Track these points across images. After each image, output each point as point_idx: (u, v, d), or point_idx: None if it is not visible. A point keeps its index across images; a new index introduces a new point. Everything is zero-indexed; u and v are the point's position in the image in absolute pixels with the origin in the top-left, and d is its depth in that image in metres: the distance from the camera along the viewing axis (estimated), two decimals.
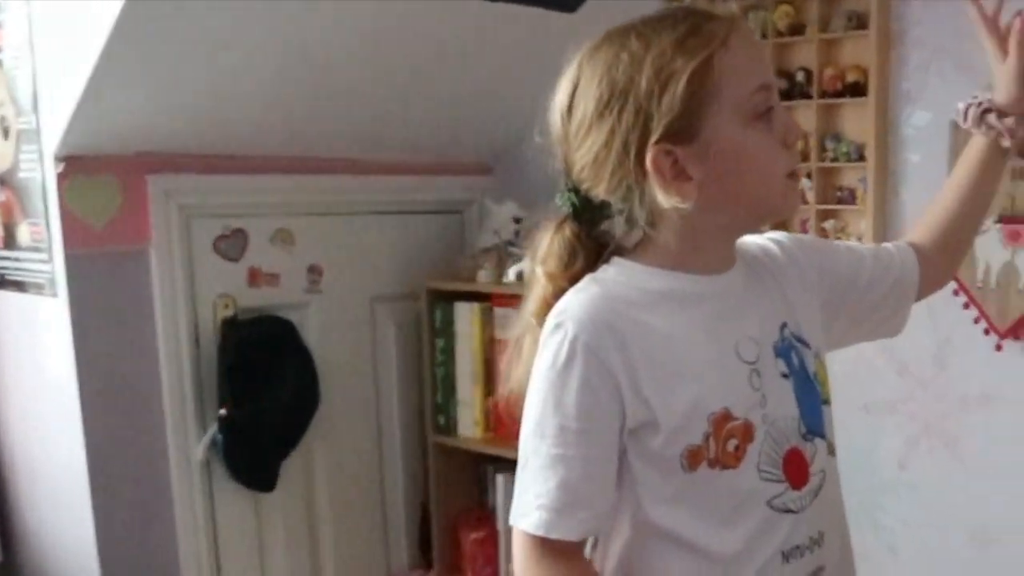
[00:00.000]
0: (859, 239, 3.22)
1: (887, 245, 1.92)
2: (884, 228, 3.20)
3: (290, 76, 3.25)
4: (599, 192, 1.56)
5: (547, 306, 1.58)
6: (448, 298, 3.84)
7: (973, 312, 3.09)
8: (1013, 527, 3.12)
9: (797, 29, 3.35)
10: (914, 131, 3.20)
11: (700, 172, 1.49)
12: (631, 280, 1.58)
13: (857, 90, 3.24)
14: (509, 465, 3.84)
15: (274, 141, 3.52)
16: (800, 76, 3.34)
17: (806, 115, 3.30)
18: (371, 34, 3.24)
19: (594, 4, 3.64)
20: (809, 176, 3.31)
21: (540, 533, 1.50)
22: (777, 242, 1.77)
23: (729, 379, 1.55)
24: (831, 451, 1.66)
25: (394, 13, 3.19)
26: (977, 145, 1.94)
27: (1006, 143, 1.90)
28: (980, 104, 1.91)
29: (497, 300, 3.73)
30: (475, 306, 3.78)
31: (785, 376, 1.60)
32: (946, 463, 3.22)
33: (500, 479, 3.79)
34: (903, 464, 3.28)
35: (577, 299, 1.54)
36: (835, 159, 3.30)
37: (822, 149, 3.31)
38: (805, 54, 3.34)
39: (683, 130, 1.47)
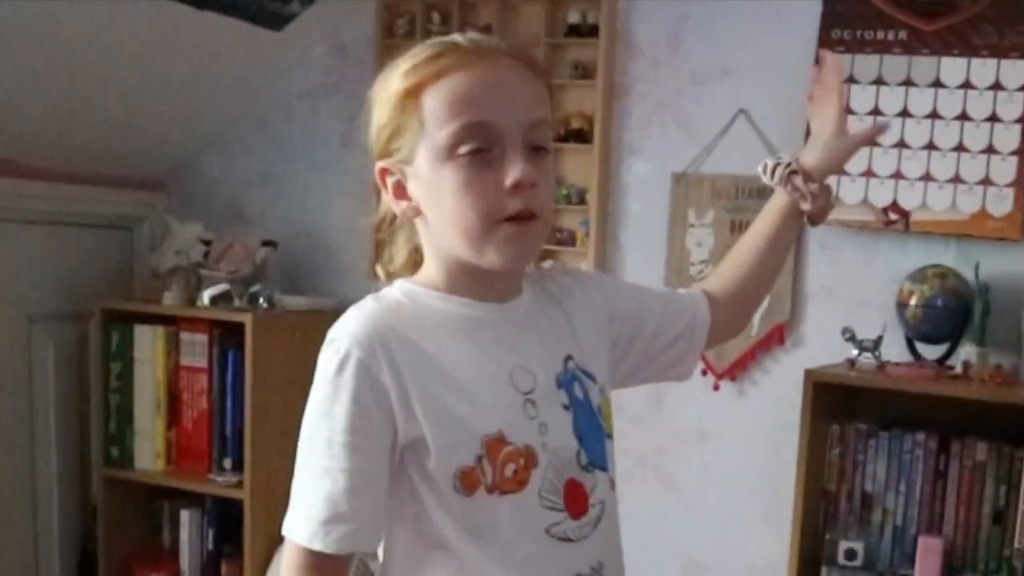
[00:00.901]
0: None
1: (680, 291, 1.97)
2: (603, 271, 3.29)
3: None
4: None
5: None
6: (126, 320, 3.57)
7: None
8: (724, 558, 3.30)
9: None
10: (635, 180, 3.33)
11: (416, 194, 1.54)
12: (410, 300, 1.58)
13: (580, 136, 3.32)
14: (194, 500, 3.67)
15: None
16: None
17: None
18: (34, 30, 2.99)
19: (299, 25, 3.54)
20: None
21: (304, 544, 1.49)
22: (574, 275, 1.80)
23: (503, 404, 1.55)
24: (612, 485, 1.70)
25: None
26: (778, 204, 1.97)
27: (806, 206, 1.94)
28: (788, 164, 1.95)
29: (185, 324, 3.53)
30: (159, 330, 3.55)
31: (566, 407, 1.62)
32: (660, 496, 3.36)
33: (185, 515, 3.57)
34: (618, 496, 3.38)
35: (355, 315, 1.54)
36: (556, 202, 3.34)
37: None
38: None
39: (399, 151, 1.52)
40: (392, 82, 1.52)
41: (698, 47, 3.24)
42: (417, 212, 1.55)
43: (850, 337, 2.89)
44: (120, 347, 3.57)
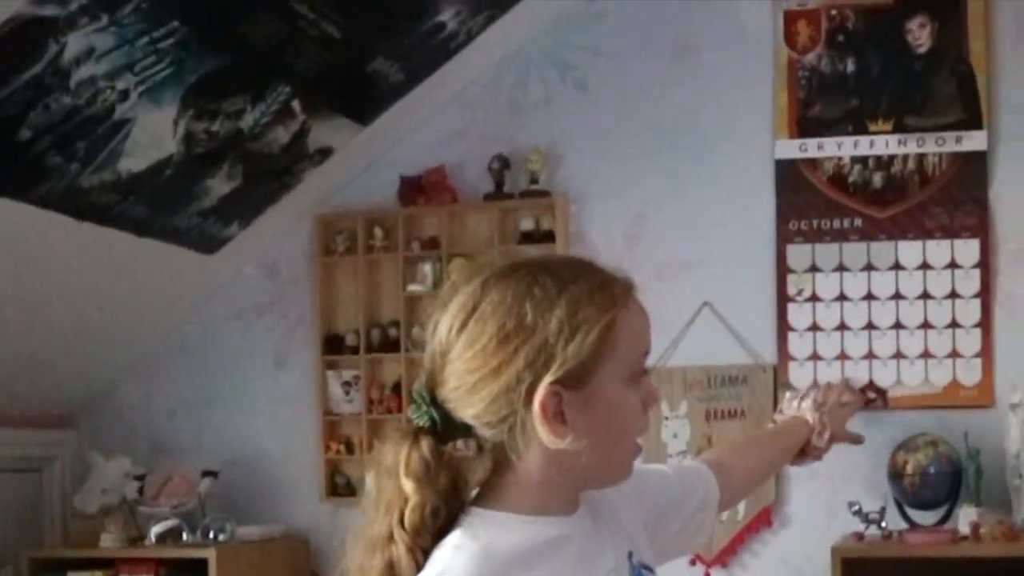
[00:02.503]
0: None
1: (686, 464, 2.03)
2: None
3: None
4: (466, 415, 1.50)
5: (423, 520, 1.49)
6: (55, 569, 3.27)
7: None
8: None
9: None
10: None
11: (577, 419, 1.49)
12: (501, 533, 1.52)
13: None
14: None
15: None
16: None
17: None
18: None
19: (231, 246, 3.46)
20: None
21: None
22: None
23: None
24: None
25: None
26: (799, 426, 2.20)
27: (819, 442, 2.18)
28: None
29: (126, 566, 3.26)
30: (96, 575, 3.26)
31: None
32: None
33: None
34: None
35: (459, 559, 1.47)
36: None
37: None
38: None
39: (576, 376, 1.48)
40: (597, 313, 1.50)
41: (657, 243, 3.36)
42: (567, 436, 1.47)
43: (857, 511, 2.98)
44: None
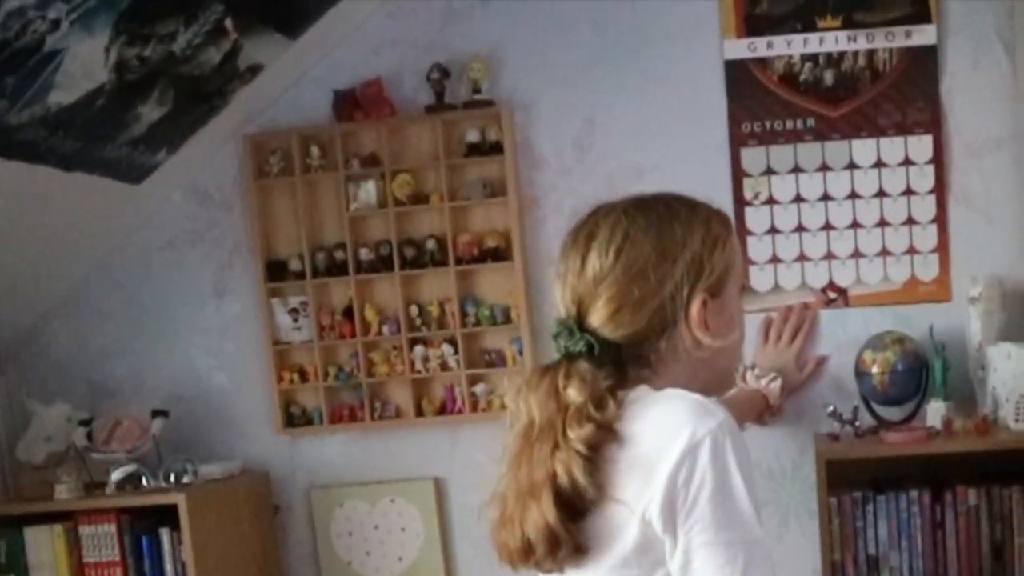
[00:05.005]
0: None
1: None
2: None
3: None
4: (624, 333, 1.70)
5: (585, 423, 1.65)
6: (10, 524, 3.13)
7: None
8: None
9: (420, 198, 3.31)
10: None
11: (718, 324, 1.74)
12: None
13: (497, 255, 3.28)
14: None
15: None
16: (431, 244, 3.29)
17: (445, 282, 3.30)
18: None
19: (158, 175, 3.28)
20: (453, 343, 3.28)
21: None
22: None
23: None
24: None
25: None
26: (758, 400, 3.04)
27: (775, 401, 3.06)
28: (775, 377, 3.07)
29: (84, 518, 3.15)
30: (56, 528, 3.15)
31: None
32: None
33: None
34: None
35: (703, 404, 1.64)
36: (478, 323, 3.29)
37: (463, 315, 3.29)
38: (430, 222, 3.32)
39: (717, 286, 1.74)
40: (723, 230, 1.78)
41: (609, 150, 3.29)
42: (710, 339, 1.73)
43: (832, 412, 3.04)
44: (11, 556, 3.13)
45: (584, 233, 1.75)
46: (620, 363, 1.70)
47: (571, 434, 1.63)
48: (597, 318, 1.70)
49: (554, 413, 1.67)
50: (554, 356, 1.75)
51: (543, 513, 1.63)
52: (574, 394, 1.66)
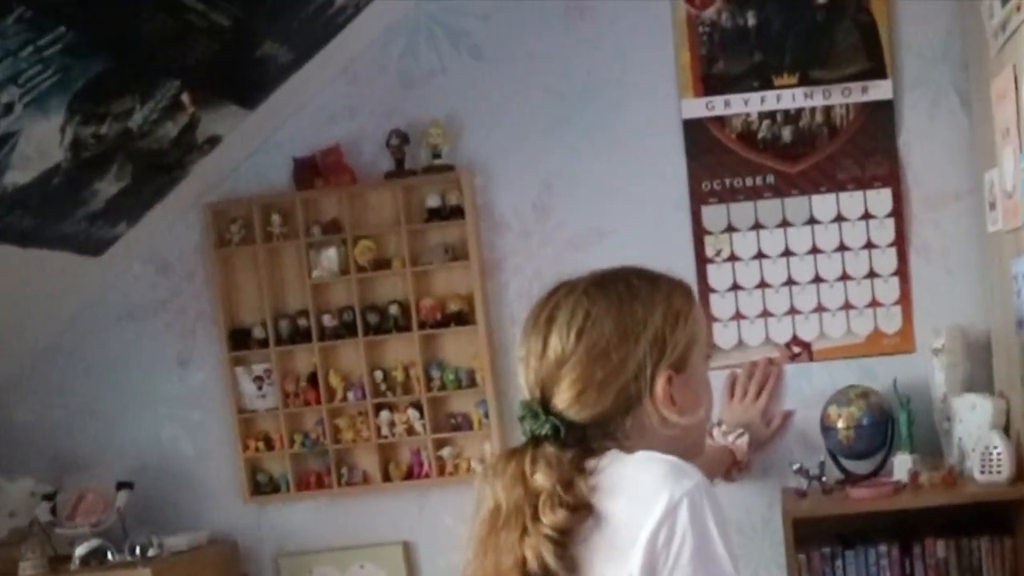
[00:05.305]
0: (481, 462, 3.22)
1: None
2: None
3: None
4: (590, 414, 1.69)
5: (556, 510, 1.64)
6: None
7: None
8: None
9: (382, 264, 3.31)
10: None
11: (683, 399, 1.73)
12: None
13: (460, 319, 3.27)
14: None
15: None
16: (394, 309, 3.29)
17: (408, 347, 3.31)
18: None
19: (119, 246, 3.27)
20: (419, 407, 3.27)
21: None
22: None
23: None
24: None
25: None
26: (726, 455, 3.05)
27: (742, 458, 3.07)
28: (741, 433, 3.08)
29: None
30: None
31: None
32: None
33: None
34: None
35: (678, 465, 1.64)
36: (443, 387, 3.29)
37: (428, 379, 3.28)
38: (393, 287, 3.32)
39: (681, 361, 1.73)
40: (685, 304, 1.77)
41: (569, 212, 3.30)
42: (675, 416, 1.72)
43: (798, 469, 3.04)
44: None
45: (545, 315, 1.74)
46: (585, 441, 1.69)
47: (544, 519, 1.62)
48: (562, 400, 1.70)
49: (521, 499, 1.65)
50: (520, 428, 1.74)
51: None
52: (542, 479, 1.65)
